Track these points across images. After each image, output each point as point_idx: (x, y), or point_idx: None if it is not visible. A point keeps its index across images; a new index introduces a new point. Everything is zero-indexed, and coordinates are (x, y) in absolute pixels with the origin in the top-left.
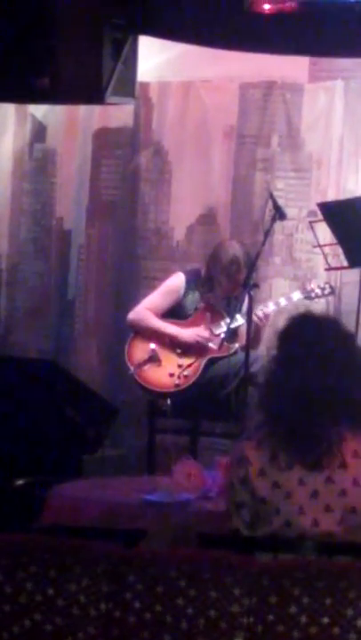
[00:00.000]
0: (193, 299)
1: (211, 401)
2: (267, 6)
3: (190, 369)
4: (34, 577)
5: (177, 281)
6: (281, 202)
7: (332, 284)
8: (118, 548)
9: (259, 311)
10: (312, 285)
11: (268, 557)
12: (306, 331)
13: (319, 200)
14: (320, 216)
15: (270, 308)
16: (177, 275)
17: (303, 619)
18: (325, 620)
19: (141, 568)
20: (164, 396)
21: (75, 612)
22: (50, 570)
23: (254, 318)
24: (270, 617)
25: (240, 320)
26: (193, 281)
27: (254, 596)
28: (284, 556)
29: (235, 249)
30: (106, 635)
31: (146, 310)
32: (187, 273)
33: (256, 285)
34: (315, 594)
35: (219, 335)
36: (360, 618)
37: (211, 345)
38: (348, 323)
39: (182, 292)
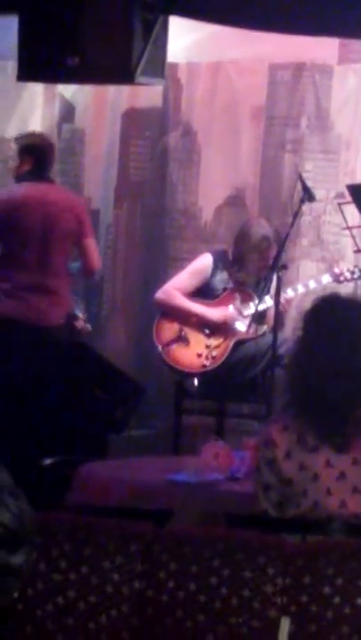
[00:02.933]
0: (221, 279)
1: (238, 382)
2: None
3: (218, 350)
4: (68, 555)
5: (204, 261)
6: (309, 183)
7: None
8: (151, 527)
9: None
10: (341, 269)
11: (296, 539)
12: (333, 312)
13: (347, 182)
14: (348, 198)
15: (299, 290)
16: (204, 255)
17: (337, 599)
18: (359, 600)
19: (175, 547)
20: (191, 376)
21: (108, 591)
22: (84, 548)
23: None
24: (304, 597)
25: (269, 302)
26: (220, 261)
27: (288, 576)
28: (312, 537)
29: (264, 226)
30: (139, 613)
31: (174, 290)
32: (214, 253)
33: (285, 267)
34: (349, 574)
35: (247, 316)
36: None
37: (238, 326)
38: None
39: (210, 272)
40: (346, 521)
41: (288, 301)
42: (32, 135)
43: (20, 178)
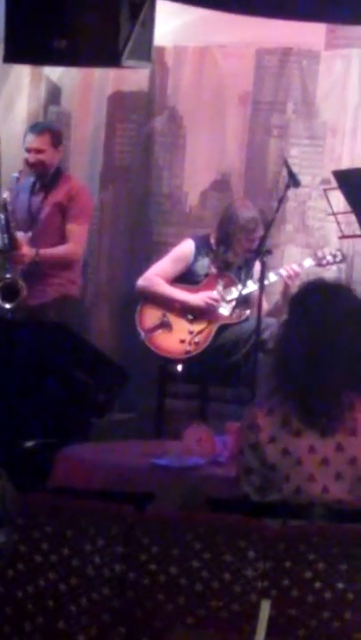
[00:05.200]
0: (203, 265)
1: (221, 367)
2: None
3: (201, 335)
4: (49, 537)
5: (186, 247)
6: (295, 169)
7: (345, 252)
8: (133, 510)
9: (285, 269)
10: (323, 252)
11: (277, 523)
12: (318, 296)
13: (333, 168)
14: (334, 184)
15: (283, 273)
16: (186, 241)
17: (318, 584)
18: (340, 585)
19: (157, 530)
20: (175, 362)
21: (89, 573)
22: (65, 530)
23: (284, 274)
24: (285, 581)
25: (252, 286)
26: (202, 247)
27: (269, 560)
28: (294, 522)
29: (250, 207)
30: (120, 596)
31: (155, 276)
32: (196, 239)
33: (269, 252)
34: (330, 559)
35: (230, 301)
36: None
37: (222, 311)
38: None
39: (192, 258)
40: (328, 506)
41: (296, 274)
42: None
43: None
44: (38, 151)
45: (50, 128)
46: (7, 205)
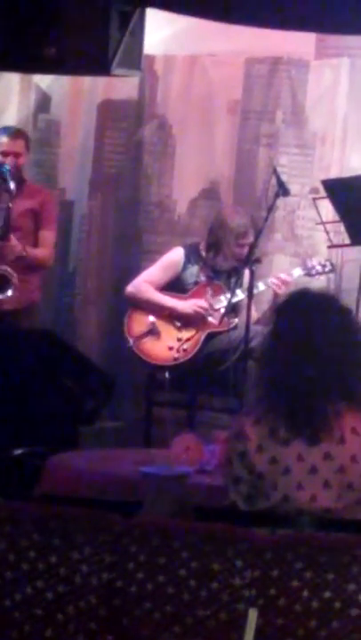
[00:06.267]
0: (192, 273)
1: (209, 375)
2: None
3: (190, 343)
4: (37, 545)
5: (176, 255)
6: (284, 178)
7: (334, 261)
8: (120, 518)
9: (275, 279)
10: (313, 262)
11: (265, 532)
12: (304, 306)
13: (322, 177)
14: (323, 193)
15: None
16: (176, 249)
17: (305, 593)
18: (327, 594)
19: (144, 539)
20: (163, 369)
21: (77, 581)
22: (53, 538)
23: (274, 282)
24: (272, 590)
25: (240, 295)
26: (192, 255)
27: (257, 569)
28: (282, 530)
29: (241, 212)
30: (107, 604)
31: (144, 283)
32: (185, 247)
33: (258, 260)
34: (317, 568)
35: (219, 309)
36: None
37: (210, 319)
38: (349, 301)
39: (181, 266)
40: (315, 515)
41: (285, 282)
42: None
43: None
44: (16, 155)
45: (23, 132)
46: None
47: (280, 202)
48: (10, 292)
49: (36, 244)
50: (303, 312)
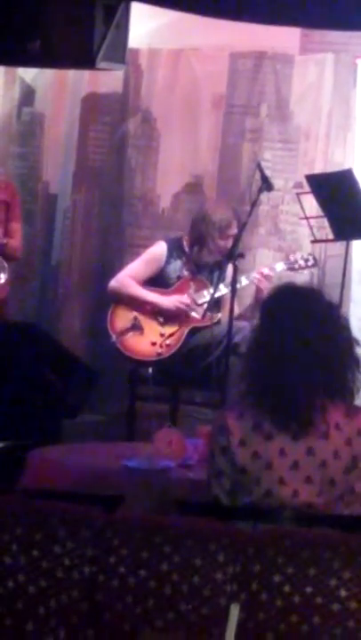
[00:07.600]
0: (175, 267)
1: (192, 370)
2: None
3: (172, 338)
4: (19, 539)
5: (158, 249)
6: (268, 173)
7: (317, 256)
8: (102, 512)
9: (257, 273)
10: (296, 256)
11: (246, 527)
12: (288, 300)
13: (306, 172)
14: (306, 188)
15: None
16: (159, 243)
17: (287, 588)
18: (309, 589)
19: (126, 533)
20: (146, 364)
21: (59, 575)
22: (35, 532)
23: (256, 277)
24: (254, 585)
25: (224, 290)
26: (175, 249)
27: (238, 563)
28: (263, 525)
29: (224, 206)
30: (89, 598)
31: (127, 278)
32: (168, 241)
33: (241, 255)
34: (299, 563)
35: (202, 304)
36: (343, 588)
37: (193, 314)
38: (333, 296)
39: (164, 260)
40: (297, 510)
41: (267, 277)
42: None
43: None
44: None
45: None
46: None
47: (264, 196)
48: (3, 279)
49: (6, 236)
50: (289, 307)
